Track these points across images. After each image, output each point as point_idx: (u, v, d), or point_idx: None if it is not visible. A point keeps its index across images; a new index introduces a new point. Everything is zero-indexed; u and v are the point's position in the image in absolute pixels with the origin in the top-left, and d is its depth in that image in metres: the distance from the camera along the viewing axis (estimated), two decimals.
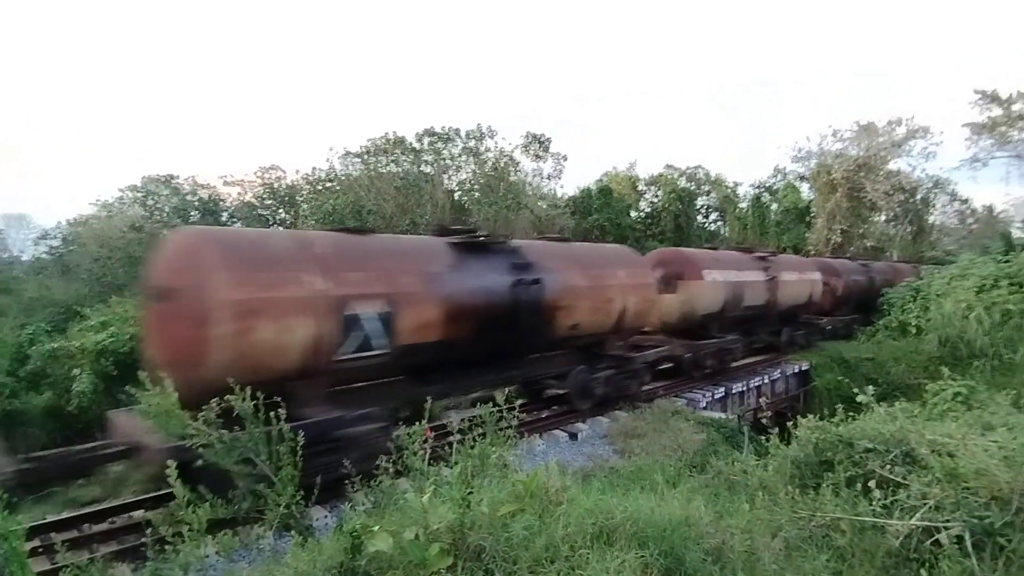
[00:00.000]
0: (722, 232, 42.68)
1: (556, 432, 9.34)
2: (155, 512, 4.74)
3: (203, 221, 33.07)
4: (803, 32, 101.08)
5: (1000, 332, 14.61)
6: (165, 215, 32.66)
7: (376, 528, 2.92)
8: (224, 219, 35.29)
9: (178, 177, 35.28)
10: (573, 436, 9.24)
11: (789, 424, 4.99)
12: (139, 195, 33.30)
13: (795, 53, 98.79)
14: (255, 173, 36.28)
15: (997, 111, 34.95)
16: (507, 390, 6.68)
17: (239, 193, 36.38)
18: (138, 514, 6.49)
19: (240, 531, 4.42)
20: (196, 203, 34.36)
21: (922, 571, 3.05)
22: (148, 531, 3.87)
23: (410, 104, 76.39)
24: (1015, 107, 34.24)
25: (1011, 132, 34.76)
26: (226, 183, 36.17)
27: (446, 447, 4.66)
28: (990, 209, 46.37)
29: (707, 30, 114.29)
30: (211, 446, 4.25)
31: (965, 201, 44.77)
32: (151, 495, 6.68)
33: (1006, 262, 17.26)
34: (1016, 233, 35.83)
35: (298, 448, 4.40)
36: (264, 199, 35.89)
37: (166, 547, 3.73)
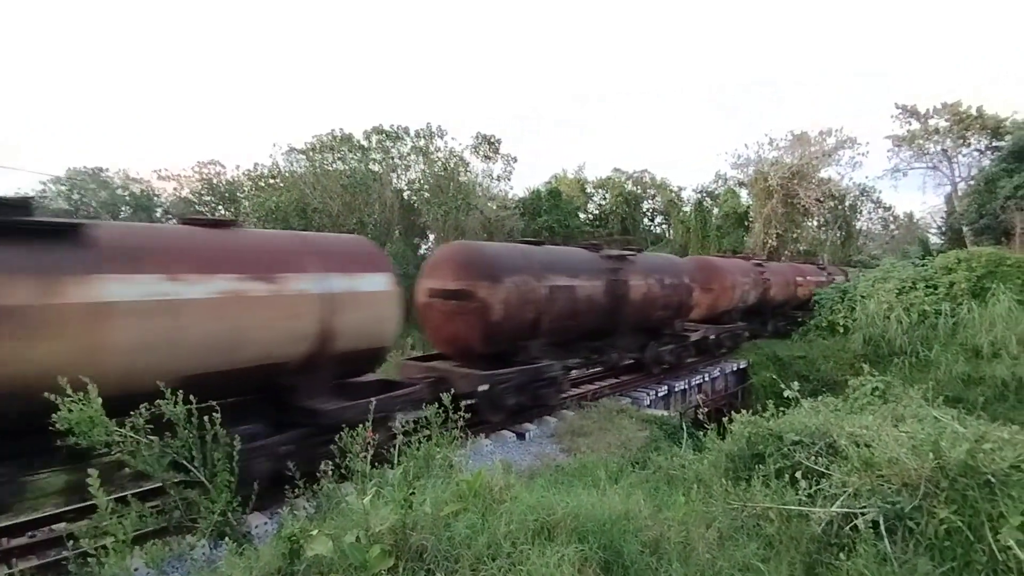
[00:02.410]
0: (667, 235, 44.01)
1: (504, 432, 9.39)
2: (78, 524, 4.48)
3: (135, 217, 31.44)
4: (804, 32, 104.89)
5: (917, 331, 15.72)
6: (93, 210, 30.84)
7: (315, 532, 2.87)
8: (159, 215, 33.64)
9: (107, 170, 33.42)
10: (521, 436, 9.31)
11: (725, 420, 5.21)
12: (64, 188, 31.32)
13: (795, 53, 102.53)
14: (192, 168, 34.80)
15: (916, 125, 37.63)
16: None
17: (175, 188, 34.80)
18: (60, 527, 6.12)
19: (171, 541, 4.23)
20: (127, 198, 32.59)
21: (841, 555, 3.26)
22: (70, 544, 3.66)
23: (399, 103, 75.30)
24: (932, 122, 36.94)
25: (927, 145, 37.48)
26: (160, 177, 34.52)
27: (391, 449, 4.61)
28: (910, 216, 49.90)
29: (707, 30, 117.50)
30: (139, 453, 4.05)
31: (888, 208, 48.05)
32: (73, 507, 6.30)
33: (923, 266, 18.59)
34: (932, 239, 38.72)
35: (234, 453, 4.26)
36: (202, 195, 34.42)
37: (90, 560, 3.54)
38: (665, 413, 11.24)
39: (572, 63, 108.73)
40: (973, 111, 35.78)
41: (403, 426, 4.79)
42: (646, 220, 45.45)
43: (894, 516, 3.34)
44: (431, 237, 31.15)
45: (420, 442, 4.66)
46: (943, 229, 38.79)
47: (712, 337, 16.05)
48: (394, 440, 4.48)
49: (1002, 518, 3.05)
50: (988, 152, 36.02)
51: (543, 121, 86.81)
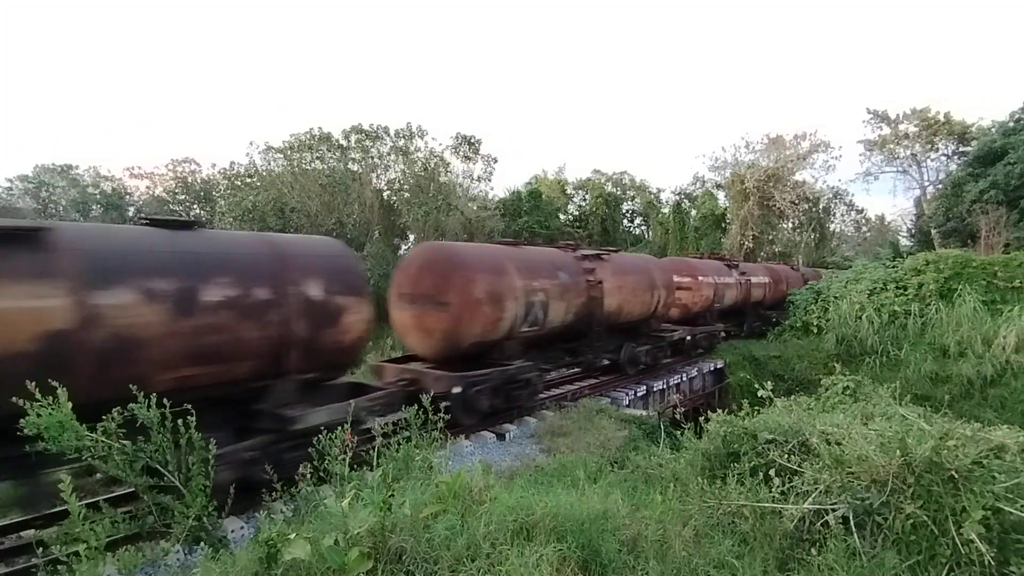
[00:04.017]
0: (646, 236, 44.43)
1: (484, 433, 9.39)
2: (48, 531, 4.38)
3: (106, 216, 30.74)
4: (782, 34, 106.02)
5: (887, 331, 16.11)
6: (61, 209, 30.09)
7: (293, 535, 2.85)
8: (131, 215, 32.93)
9: (77, 167, 32.59)
10: (501, 436, 9.32)
11: (702, 419, 5.29)
12: (31, 186, 30.48)
13: (774, 56, 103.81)
14: (166, 166, 34.18)
15: (886, 130, 38.62)
16: None
17: (148, 187, 34.13)
18: (28, 533, 5.96)
19: (144, 547, 4.16)
20: (98, 196, 31.84)
21: (812, 550, 3.35)
22: (40, 551, 3.58)
23: (378, 102, 74.70)
24: (901, 127, 37.93)
25: (898, 149, 38.48)
26: (133, 175, 33.84)
27: (370, 451, 4.59)
28: (881, 219, 51.21)
29: (685, 32, 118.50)
30: (110, 458, 3.97)
31: (861, 211, 49.26)
32: (43, 513, 6.15)
33: (893, 267, 19.06)
34: (902, 241, 39.77)
35: (209, 457, 4.21)
36: (176, 194, 33.80)
37: (60, 568, 3.47)
38: (644, 413, 11.33)
39: (554, 63, 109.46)
40: (941, 117, 36.85)
41: (382, 428, 4.78)
42: (626, 221, 45.84)
43: (863, 512, 3.44)
44: (411, 238, 31.02)
45: (399, 444, 4.66)
46: (913, 232, 39.86)
47: (456, 391, 8.56)
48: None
49: (965, 512, 3.16)
50: (955, 157, 37.13)
51: (524, 121, 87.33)
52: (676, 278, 15.65)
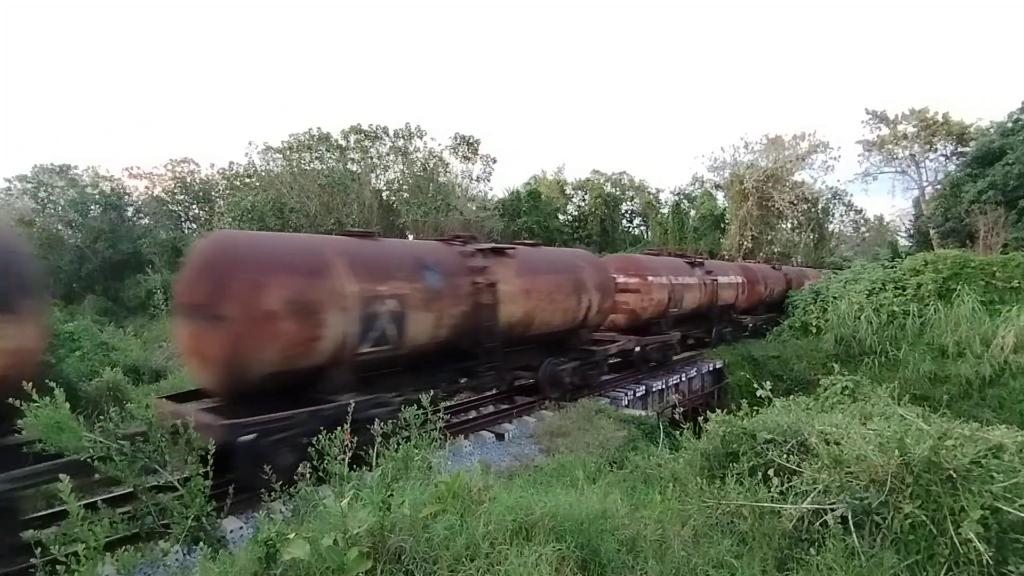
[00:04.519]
0: (645, 236, 44.48)
1: (483, 433, 9.40)
2: (46, 531, 4.37)
3: (106, 216, 30.72)
4: (781, 33, 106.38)
5: (886, 331, 16.13)
6: (60, 209, 30.05)
7: (292, 535, 2.85)
8: (130, 215, 32.92)
9: (76, 167, 32.55)
10: (500, 437, 9.32)
11: (701, 419, 5.30)
12: (29, 186, 30.45)
13: (774, 55, 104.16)
14: (165, 166, 34.18)
15: (885, 130, 38.69)
16: None
17: (147, 187, 34.12)
18: (27, 534, 5.95)
19: (143, 547, 4.16)
20: (97, 196, 31.80)
21: (811, 550, 3.35)
22: (39, 552, 3.57)
23: (377, 102, 74.62)
24: (900, 127, 38.00)
25: (896, 150, 38.55)
26: (132, 176, 33.83)
27: (369, 451, 4.59)
28: (880, 219, 51.27)
29: (682, 32, 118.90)
30: (110, 458, 3.97)
31: (859, 211, 49.35)
32: (40, 514, 6.14)
33: (892, 268, 19.09)
34: (901, 241, 39.86)
35: (208, 456, 4.21)
36: (175, 194, 33.79)
37: (59, 568, 3.46)
38: (643, 413, 11.31)
39: (552, 64, 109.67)
40: (940, 117, 36.90)
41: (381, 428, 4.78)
42: (624, 222, 45.87)
43: (862, 511, 3.45)
44: (411, 238, 31.03)
45: (399, 444, 4.66)
46: (911, 232, 39.94)
47: (247, 439, 6.00)
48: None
49: (963, 512, 3.16)
50: (954, 157, 37.18)
51: (523, 121, 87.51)
52: (621, 278, 13.38)
